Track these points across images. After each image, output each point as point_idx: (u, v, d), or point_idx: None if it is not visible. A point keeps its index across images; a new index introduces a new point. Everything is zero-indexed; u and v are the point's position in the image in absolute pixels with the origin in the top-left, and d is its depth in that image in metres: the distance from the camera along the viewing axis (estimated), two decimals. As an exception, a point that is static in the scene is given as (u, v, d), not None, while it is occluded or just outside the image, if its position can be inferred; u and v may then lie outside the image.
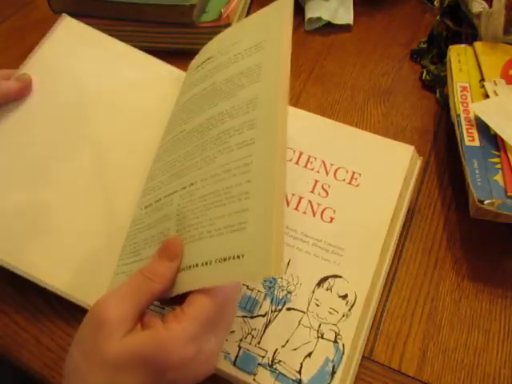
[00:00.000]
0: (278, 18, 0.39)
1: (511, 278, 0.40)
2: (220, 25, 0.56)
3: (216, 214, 0.33)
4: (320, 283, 0.38)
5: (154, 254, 0.32)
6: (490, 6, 0.48)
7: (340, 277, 0.38)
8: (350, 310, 0.36)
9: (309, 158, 0.44)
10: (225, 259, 0.31)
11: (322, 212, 0.41)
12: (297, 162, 0.44)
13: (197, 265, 0.32)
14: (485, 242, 0.42)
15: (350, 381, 0.35)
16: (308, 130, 0.46)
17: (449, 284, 0.40)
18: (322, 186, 0.42)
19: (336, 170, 0.43)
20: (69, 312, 0.39)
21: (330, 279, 0.38)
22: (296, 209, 0.41)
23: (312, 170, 0.43)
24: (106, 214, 0.41)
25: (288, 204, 0.42)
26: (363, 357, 0.36)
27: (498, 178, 0.39)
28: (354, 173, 0.42)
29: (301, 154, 0.44)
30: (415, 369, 0.36)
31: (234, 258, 0.31)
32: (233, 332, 0.36)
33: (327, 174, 0.43)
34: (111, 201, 0.42)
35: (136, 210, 0.40)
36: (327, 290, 0.37)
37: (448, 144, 0.49)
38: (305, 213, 0.41)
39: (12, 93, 0.42)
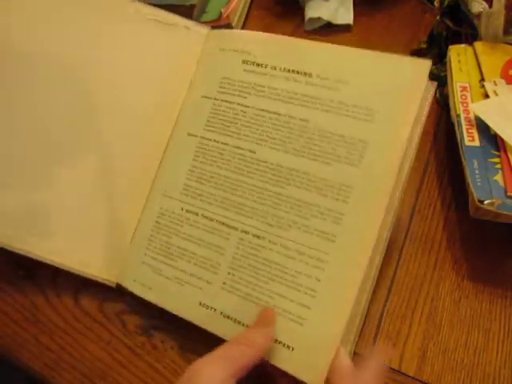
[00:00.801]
0: (407, 88, 0.33)
1: (511, 278, 0.40)
2: (220, 25, 0.56)
3: (277, 290, 0.34)
4: None
5: (252, 325, 0.34)
6: (490, 6, 0.48)
7: None
8: None
9: None
10: (275, 340, 0.33)
11: None
12: None
13: (243, 324, 0.35)
14: (485, 242, 0.42)
15: (353, 339, 0.34)
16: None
17: (449, 284, 0.40)
18: None
19: None
20: (69, 312, 0.39)
21: None
22: None
23: None
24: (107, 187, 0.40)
25: None
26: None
27: (498, 177, 0.39)
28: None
29: None
30: (415, 369, 0.36)
31: (284, 345, 0.33)
32: None
33: None
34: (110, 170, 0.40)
35: (167, 200, 0.38)
36: None
37: (448, 144, 0.49)
38: None
39: None
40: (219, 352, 0.30)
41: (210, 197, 0.37)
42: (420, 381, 0.36)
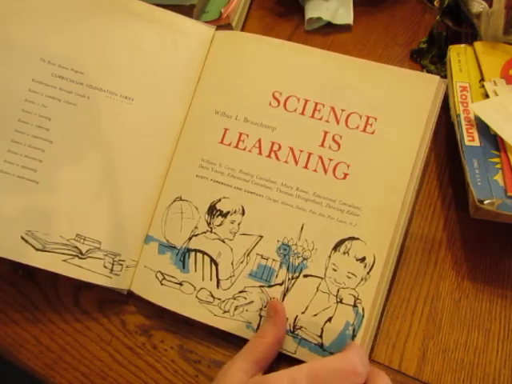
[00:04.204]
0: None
1: (511, 278, 0.40)
2: (220, 25, 0.56)
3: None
4: (336, 247, 0.36)
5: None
6: (490, 6, 0.48)
7: (357, 239, 0.36)
8: (368, 273, 0.36)
9: (316, 105, 0.39)
10: None
11: (335, 168, 0.38)
12: (302, 113, 0.39)
13: None
14: (485, 242, 0.42)
15: (368, 342, 0.35)
16: (312, 69, 0.40)
17: (449, 284, 0.40)
18: (333, 138, 0.38)
19: (347, 117, 0.38)
20: (69, 312, 0.39)
21: (346, 242, 0.36)
22: (305, 167, 0.38)
23: (320, 119, 0.39)
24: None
25: (296, 163, 0.38)
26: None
27: (498, 177, 0.39)
28: (368, 118, 0.38)
29: (306, 101, 0.39)
30: (415, 369, 0.36)
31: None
32: (252, 302, 0.36)
33: (338, 122, 0.38)
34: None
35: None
36: (344, 253, 0.36)
37: (448, 144, 0.49)
38: (315, 171, 0.38)
39: None
40: (242, 349, 0.33)
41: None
42: (420, 381, 0.36)
